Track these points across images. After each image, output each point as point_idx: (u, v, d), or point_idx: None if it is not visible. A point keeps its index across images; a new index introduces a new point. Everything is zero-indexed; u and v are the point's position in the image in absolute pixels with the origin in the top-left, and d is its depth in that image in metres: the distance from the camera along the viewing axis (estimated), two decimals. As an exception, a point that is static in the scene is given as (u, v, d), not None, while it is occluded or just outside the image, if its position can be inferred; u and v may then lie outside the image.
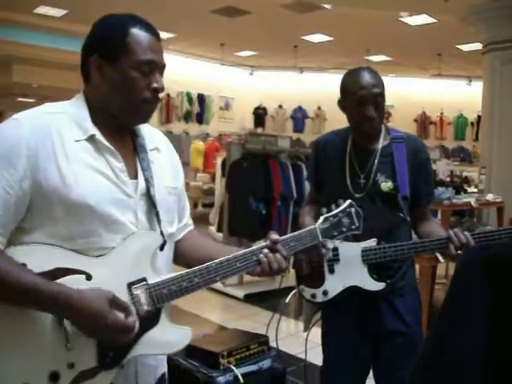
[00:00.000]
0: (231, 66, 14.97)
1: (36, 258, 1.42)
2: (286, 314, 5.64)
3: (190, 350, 2.61)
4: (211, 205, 7.63)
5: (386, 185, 2.37)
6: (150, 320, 1.53)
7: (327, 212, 1.88)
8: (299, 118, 15.75)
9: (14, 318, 1.40)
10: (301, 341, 3.07)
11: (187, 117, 14.46)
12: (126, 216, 1.55)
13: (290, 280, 6.85)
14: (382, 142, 2.43)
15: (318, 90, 14.90)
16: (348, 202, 1.92)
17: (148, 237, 1.59)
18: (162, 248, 1.60)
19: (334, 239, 1.90)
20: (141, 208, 1.59)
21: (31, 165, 1.43)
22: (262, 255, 1.67)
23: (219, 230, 6.84)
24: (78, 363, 1.44)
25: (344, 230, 1.88)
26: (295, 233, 1.79)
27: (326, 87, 14.47)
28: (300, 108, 15.68)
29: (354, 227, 1.91)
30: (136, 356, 1.54)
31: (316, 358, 2.86)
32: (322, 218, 1.86)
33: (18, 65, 11.39)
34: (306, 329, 2.78)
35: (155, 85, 1.56)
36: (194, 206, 11.43)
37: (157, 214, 1.62)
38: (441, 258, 4.40)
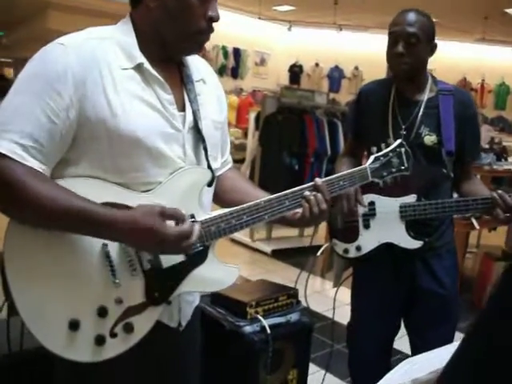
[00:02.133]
0: (268, 20, 14.69)
1: (82, 190, 1.36)
2: (314, 272, 5.62)
3: (217, 298, 2.57)
4: (242, 160, 7.56)
5: (430, 138, 2.27)
6: (198, 257, 1.50)
7: (377, 151, 1.82)
8: (335, 77, 15.47)
9: (61, 251, 1.37)
10: (326, 299, 3.03)
11: (222, 71, 14.32)
12: (173, 150, 1.49)
13: (318, 239, 6.87)
14: (427, 93, 2.32)
15: (356, 49, 14.59)
16: (398, 141, 1.87)
17: (197, 172, 1.53)
18: (210, 184, 1.55)
19: (383, 179, 1.82)
20: (188, 142, 1.53)
21: (78, 94, 1.36)
22: (303, 199, 1.61)
23: (251, 184, 6.76)
24: (126, 299, 1.42)
25: (393, 170, 1.84)
26: (344, 172, 1.73)
27: (365, 47, 14.22)
28: (337, 67, 15.37)
29: (403, 168, 1.86)
30: (183, 292, 1.51)
31: (342, 317, 2.81)
32: (372, 158, 1.81)
33: (53, 11, 11.27)
34: (336, 284, 2.72)
35: (212, 13, 1.46)
36: (225, 160, 11.20)
37: (205, 149, 1.56)
38: (476, 225, 4.26)
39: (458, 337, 2.46)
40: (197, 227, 1.41)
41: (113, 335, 1.40)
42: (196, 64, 1.64)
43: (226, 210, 1.52)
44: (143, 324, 1.45)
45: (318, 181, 1.64)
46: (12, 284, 1.32)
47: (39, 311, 1.34)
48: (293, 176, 6.08)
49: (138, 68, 1.44)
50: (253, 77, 15.13)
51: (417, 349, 2.45)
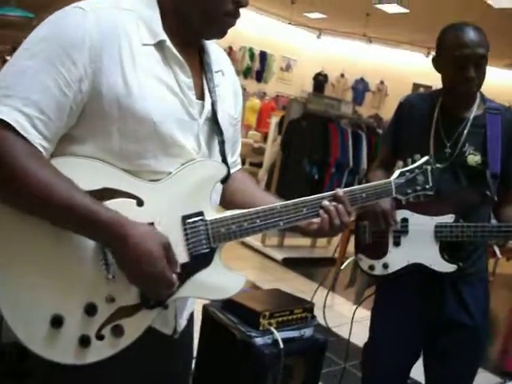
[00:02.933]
0: (298, 26, 14.59)
1: (82, 172, 1.23)
2: (324, 285, 5.48)
3: (228, 303, 2.44)
4: (259, 164, 7.46)
5: (474, 158, 2.13)
6: (202, 260, 1.35)
7: (403, 166, 1.70)
8: (360, 89, 15.31)
9: (49, 238, 1.22)
10: (335, 314, 2.91)
11: (247, 73, 14.25)
12: (188, 140, 1.35)
13: (329, 251, 6.71)
14: (475, 111, 2.17)
15: (383, 63, 14.44)
16: (425, 158, 1.74)
17: (212, 166, 1.39)
18: (224, 180, 1.42)
19: (406, 197, 1.70)
20: (203, 133, 1.40)
21: (93, 65, 1.21)
22: (322, 210, 1.48)
23: (267, 189, 6.65)
24: (119, 298, 1.27)
25: (418, 188, 1.72)
26: (367, 184, 1.61)
27: (392, 62, 14.11)
28: (362, 79, 15.22)
29: (427, 187, 1.74)
30: (181, 297, 1.37)
31: (355, 335, 2.68)
32: (397, 172, 1.69)
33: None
34: (357, 302, 2.57)
35: None
36: (242, 163, 11.10)
37: (222, 143, 1.43)
38: (499, 254, 4.10)
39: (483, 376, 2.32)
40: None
41: (99, 337, 1.26)
42: (216, 54, 1.51)
43: (239, 212, 1.39)
44: (134, 328, 1.30)
45: (340, 191, 1.51)
46: None
47: (18, 302, 1.19)
48: (312, 185, 5.97)
49: (159, 45, 1.31)
50: (277, 82, 15.03)
51: (433, 379, 2.30)
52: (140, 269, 1.20)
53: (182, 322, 1.49)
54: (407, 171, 1.71)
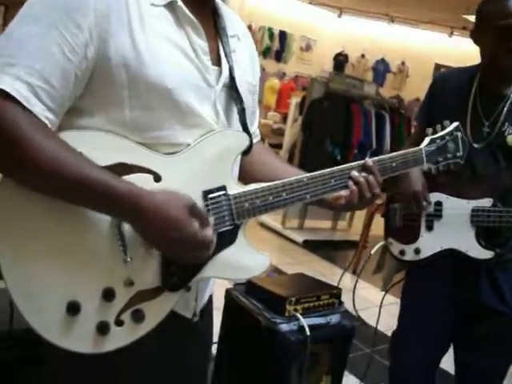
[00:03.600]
0: (318, 6, 14.36)
1: (94, 147, 1.13)
2: (349, 269, 5.40)
3: (252, 288, 2.37)
4: (278, 146, 7.35)
5: None
6: (225, 238, 1.26)
7: (433, 133, 1.61)
8: (380, 70, 15.05)
9: (62, 219, 1.12)
10: (358, 299, 2.84)
11: (266, 53, 14.06)
12: (205, 108, 1.26)
13: (350, 234, 6.61)
14: None
15: (404, 44, 14.17)
16: (455, 124, 1.66)
17: (234, 136, 1.30)
18: (246, 152, 1.32)
19: (437, 165, 1.61)
20: (220, 101, 1.30)
21: (100, 28, 1.11)
22: (351, 181, 1.38)
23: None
24: (138, 281, 1.18)
25: (449, 156, 1.63)
26: (396, 153, 1.51)
27: (414, 42, 13.84)
28: (383, 60, 14.95)
29: (458, 155, 1.66)
30: (205, 277, 1.29)
31: (380, 321, 2.60)
32: (427, 139, 1.60)
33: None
34: (385, 288, 2.48)
35: None
36: (261, 144, 11.05)
37: (242, 111, 1.33)
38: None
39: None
40: (215, 240, 1.19)
41: (119, 323, 1.17)
42: (231, 18, 1.41)
43: (263, 185, 1.30)
44: (156, 312, 1.21)
45: (369, 161, 1.42)
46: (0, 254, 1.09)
47: (32, 289, 1.10)
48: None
49: (171, 6, 1.21)
50: (296, 62, 14.83)
51: (464, 370, 2.21)
52: (167, 237, 1.11)
53: (202, 305, 1.41)
54: (438, 138, 1.63)
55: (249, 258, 1.31)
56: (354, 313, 2.93)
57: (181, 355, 1.39)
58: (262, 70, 13.50)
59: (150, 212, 1.09)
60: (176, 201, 1.12)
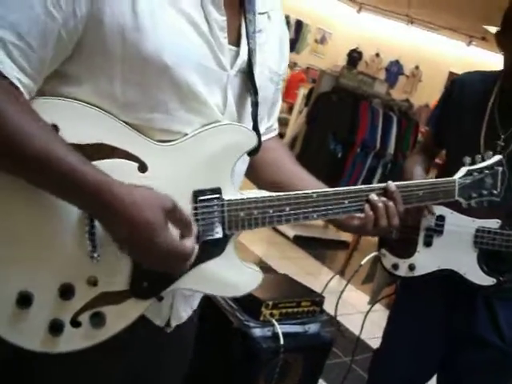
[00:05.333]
0: (338, -1, 14.17)
1: (74, 120, 0.96)
2: (333, 269, 5.25)
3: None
4: (280, 135, 7.16)
5: None
6: (212, 247, 1.10)
7: (471, 164, 1.43)
8: (393, 71, 14.87)
9: (24, 201, 0.95)
10: (342, 302, 2.69)
11: (279, 41, 13.90)
12: (212, 94, 1.07)
13: (343, 235, 6.44)
14: None
15: (421, 48, 13.97)
16: (498, 157, 1.51)
17: (240, 133, 1.11)
18: (252, 153, 1.14)
19: (469, 201, 1.45)
20: (233, 89, 1.11)
21: None
22: (368, 204, 1.22)
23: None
24: (103, 281, 1.02)
25: (484, 192, 1.48)
26: (425, 180, 1.35)
27: (431, 47, 13.65)
28: (397, 62, 14.77)
29: (495, 192, 1.51)
30: (181, 288, 1.12)
31: (350, 323, 2.44)
32: (464, 170, 1.43)
33: None
34: (372, 301, 2.31)
35: None
36: (263, 132, 10.92)
37: (255, 104, 1.14)
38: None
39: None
40: (196, 251, 1.02)
41: (75, 324, 1.02)
42: None
43: (265, 194, 1.13)
44: (119, 319, 1.05)
45: (392, 185, 1.25)
46: None
47: None
48: (333, 163, 5.71)
49: None
50: (310, 54, 14.66)
51: None
52: (135, 241, 0.94)
53: (180, 316, 1.24)
54: (475, 170, 1.46)
55: (236, 273, 1.15)
56: (337, 317, 2.78)
57: (147, 362, 1.23)
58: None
59: (118, 209, 0.92)
60: (152, 200, 0.95)
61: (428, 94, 12.55)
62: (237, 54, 1.10)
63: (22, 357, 1.02)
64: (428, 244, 1.91)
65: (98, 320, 1.03)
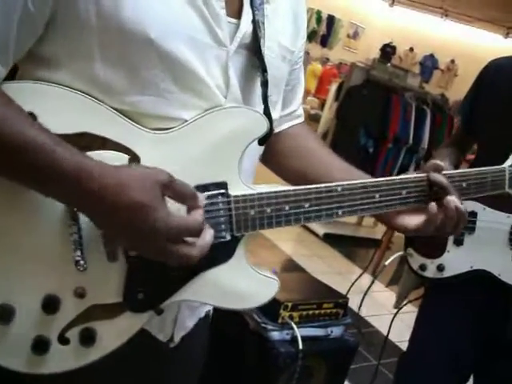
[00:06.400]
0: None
1: (54, 108, 0.84)
2: (362, 267, 5.11)
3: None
4: (313, 132, 7.04)
5: None
6: (217, 252, 0.94)
7: None
8: (428, 66, 14.59)
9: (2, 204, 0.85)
10: (372, 303, 2.57)
11: (311, 36, 13.74)
12: (211, 74, 0.94)
13: (376, 233, 6.30)
14: None
15: (456, 41, 13.70)
16: None
17: (248, 117, 0.96)
18: (263, 141, 0.99)
19: None
20: (235, 67, 0.98)
21: None
22: (433, 203, 1.10)
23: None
24: (92, 292, 0.90)
25: None
26: (470, 169, 1.19)
27: (467, 41, 13.37)
28: (432, 56, 14.49)
29: None
30: (182, 300, 0.98)
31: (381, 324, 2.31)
32: None
33: None
34: (398, 305, 2.17)
35: None
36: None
37: (265, 84, 1.00)
38: None
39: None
40: (211, 231, 0.88)
41: (62, 341, 0.90)
42: None
43: (280, 188, 0.98)
44: (112, 336, 0.93)
45: (436, 176, 1.11)
46: None
47: None
48: (365, 158, 5.55)
49: None
50: (342, 49, 14.49)
51: None
52: (135, 231, 0.81)
53: (185, 326, 1.12)
54: None
55: (248, 282, 0.99)
56: (361, 316, 2.65)
57: (149, 378, 1.10)
58: (306, 53, 13.21)
59: (102, 194, 0.79)
60: (142, 177, 0.81)
61: (464, 89, 12.02)
62: (237, 27, 0.97)
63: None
64: (458, 243, 1.77)
65: (88, 337, 0.91)
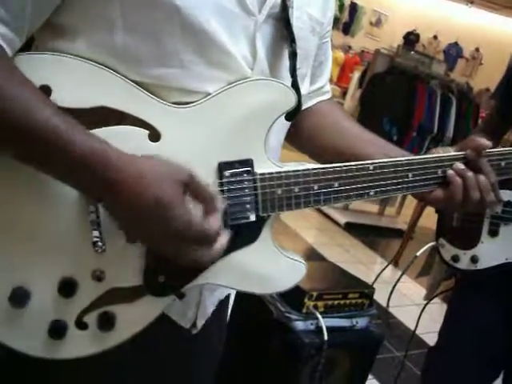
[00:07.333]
0: (396, -21, 13.78)
1: (70, 80, 0.79)
2: (385, 257, 5.04)
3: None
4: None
5: None
6: (242, 233, 0.91)
7: None
8: (452, 54, 14.39)
9: (17, 187, 0.81)
10: (396, 294, 2.50)
11: (333, 24, 13.50)
12: (237, 45, 0.88)
13: (398, 223, 6.22)
14: None
15: (481, 29, 13.50)
16: None
17: (276, 90, 0.91)
18: (291, 116, 0.94)
19: None
20: (263, 38, 0.92)
21: None
22: (451, 171, 1.02)
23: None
24: (111, 274, 0.86)
25: None
26: (509, 148, 1.11)
27: (492, 29, 13.18)
28: (456, 44, 14.28)
29: None
30: (204, 284, 0.94)
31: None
32: None
33: None
34: (429, 297, 2.10)
35: None
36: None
37: (293, 55, 0.95)
38: None
39: None
40: (226, 235, 0.83)
41: (81, 326, 0.85)
42: None
43: (308, 166, 0.94)
44: (132, 320, 0.88)
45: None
46: None
47: None
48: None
49: None
50: (364, 37, 14.32)
51: None
52: (151, 229, 0.77)
53: (205, 313, 1.08)
54: None
55: (274, 264, 0.96)
56: (388, 309, 2.59)
57: (170, 368, 1.06)
58: (328, 40, 13.15)
59: (119, 186, 0.75)
60: (163, 172, 0.77)
61: (489, 78, 12.02)
62: None
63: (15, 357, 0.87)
64: (494, 233, 1.70)
65: (106, 321, 0.87)
